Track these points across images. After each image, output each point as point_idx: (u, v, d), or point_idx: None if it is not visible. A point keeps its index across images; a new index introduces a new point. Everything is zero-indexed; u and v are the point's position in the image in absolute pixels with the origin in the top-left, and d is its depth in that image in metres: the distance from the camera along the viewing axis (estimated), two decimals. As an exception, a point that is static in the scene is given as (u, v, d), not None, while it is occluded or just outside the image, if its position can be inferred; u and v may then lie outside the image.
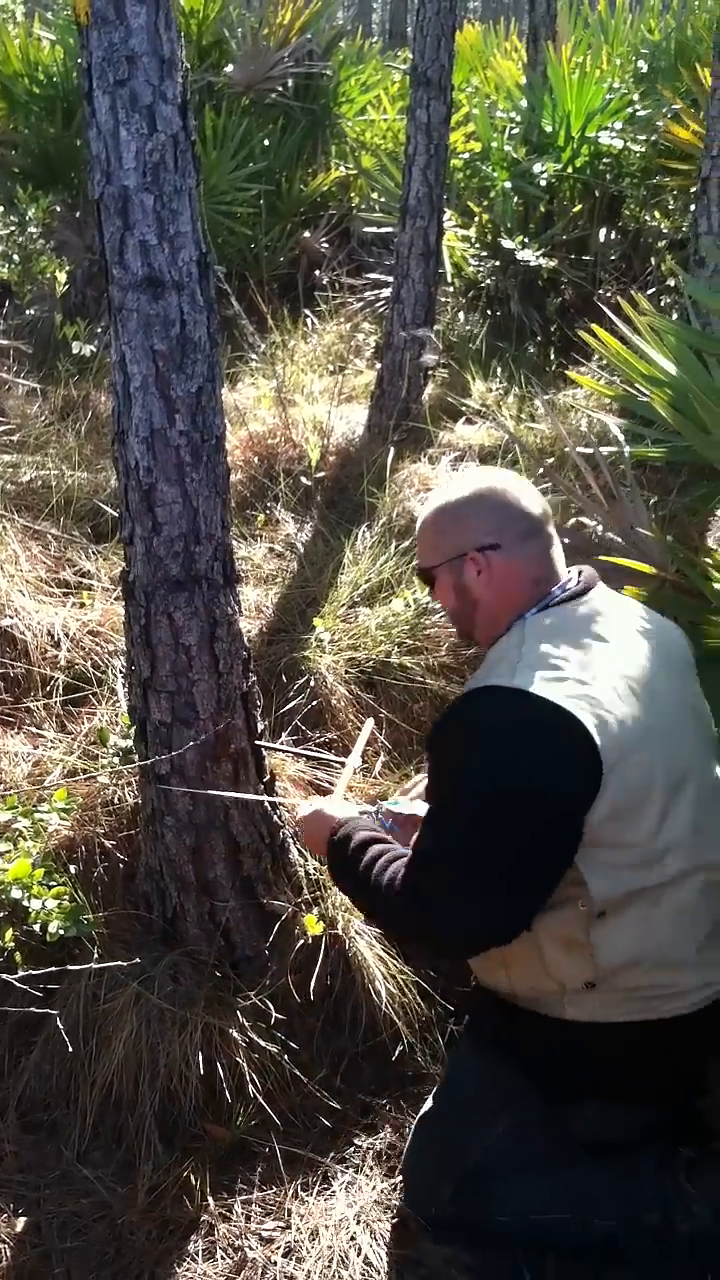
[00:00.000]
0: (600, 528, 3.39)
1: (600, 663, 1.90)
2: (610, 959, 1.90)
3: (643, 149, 7.11)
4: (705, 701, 2.14)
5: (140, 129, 2.12)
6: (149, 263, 2.19)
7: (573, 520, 3.60)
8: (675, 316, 5.29)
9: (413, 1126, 2.23)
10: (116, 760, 2.81)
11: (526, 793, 1.81)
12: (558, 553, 2.06)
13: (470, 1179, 2.07)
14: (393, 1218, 2.21)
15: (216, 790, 2.47)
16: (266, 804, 2.62)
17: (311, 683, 3.21)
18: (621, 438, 3.63)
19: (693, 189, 6.06)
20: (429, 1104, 2.23)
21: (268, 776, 2.66)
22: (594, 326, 3.65)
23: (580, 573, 2.07)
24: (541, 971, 1.97)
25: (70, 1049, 2.36)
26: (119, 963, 2.37)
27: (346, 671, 3.28)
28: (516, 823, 1.82)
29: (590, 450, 3.82)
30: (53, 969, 2.36)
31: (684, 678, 2.09)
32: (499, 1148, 2.06)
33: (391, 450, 4.50)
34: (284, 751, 2.85)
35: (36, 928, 2.41)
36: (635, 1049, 1.96)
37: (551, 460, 4.40)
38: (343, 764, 2.54)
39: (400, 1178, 2.25)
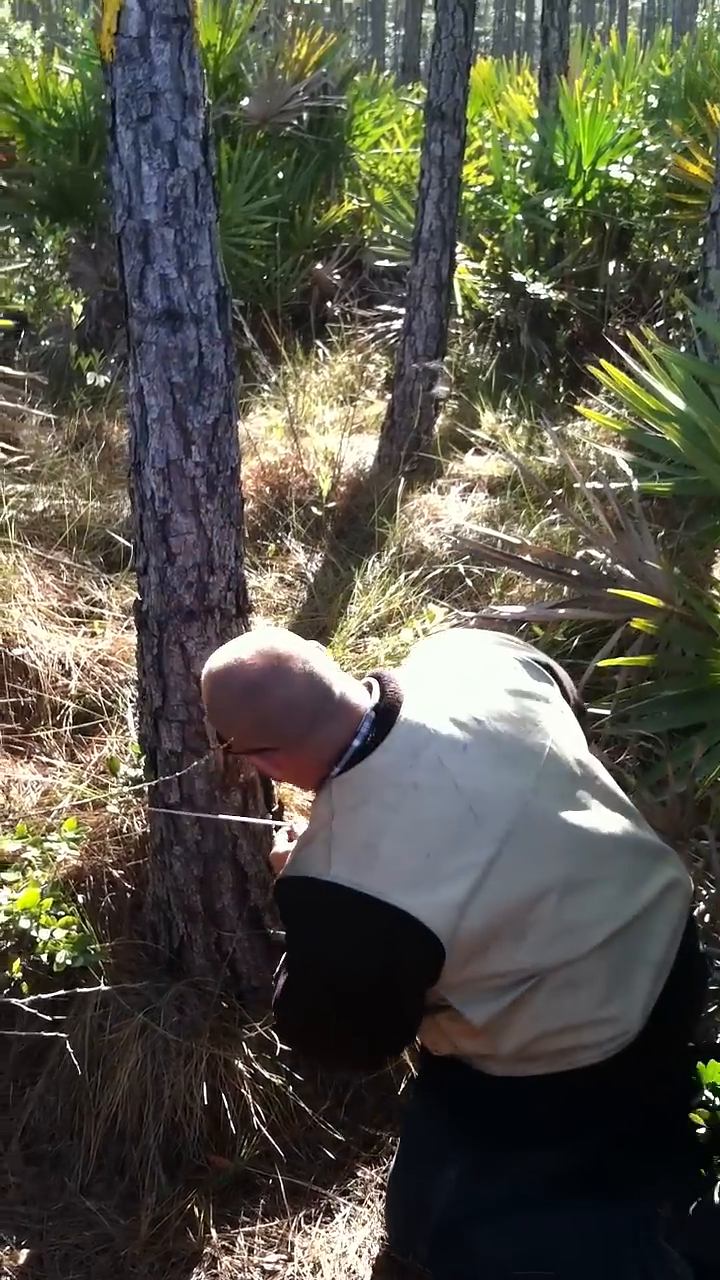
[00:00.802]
0: (608, 559, 3.41)
1: (414, 819, 1.80)
2: (509, 1045, 1.89)
3: (653, 183, 7.17)
4: (572, 754, 1.96)
5: (162, 164, 2.15)
6: (168, 296, 2.21)
7: (581, 552, 3.62)
8: (683, 349, 5.33)
9: (386, 1185, 2.25)
10: (126, 789, 2.82)
11: (347, 984, 1.83)
12: (345, 699, 1.89)
13: (441, 1235, 2.05)
14: (383, 1252, 2.21)
15: (227, 814, 2.47)
16: (273, 835, 2.63)
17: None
18: (630, 471, 3.66)
19: (702, 223, 6.11)
20: (393, 1163, 2.25)
21: (276, 806, 2.66)
22: (603, 362, 3.68)
23: (379, 701, 1.91)
24: (451, 1047, 2.00)
25: (75, 1080, 2.37)
26: (128, 984, 2.37)
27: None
28: (345, 1005, 1.86)
29: (597, 484, 3.84)
30: (61, 994, 2.36)
31: (540, 740, 1.92)
32: (456, 1199, 2.04)
33: (402, 481, 4.53)
34: (292, 782, 2.85)
35: (44, 957, 2.42)
36: (559, 1096, 1.95)
37: (560, 491, 4.42)
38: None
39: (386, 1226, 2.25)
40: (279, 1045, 2.44)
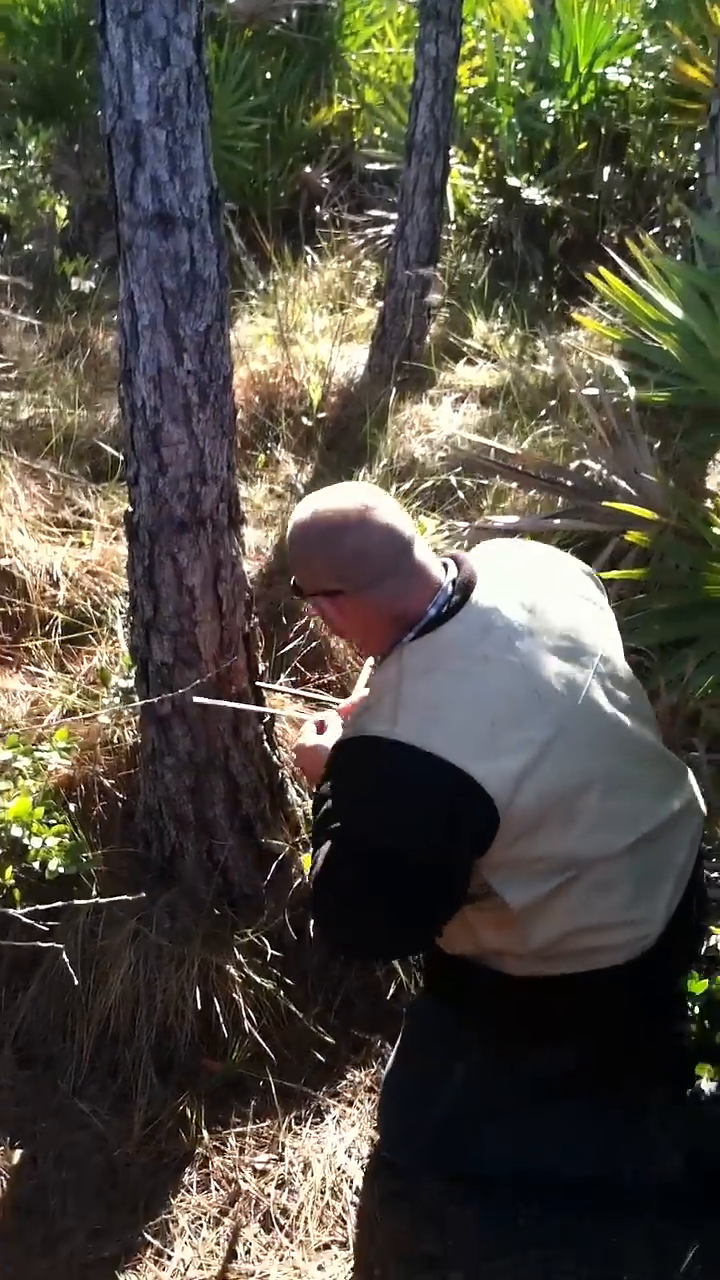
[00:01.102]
0: (604, 470, 3.38)
1: (482, 688, 1.83)
2: (538, 939, 1.91)
3: (650, 86, 7.00)
4: (619, 661, 2.03)
5: (154, 62, 2.07)
6: (160, 199, 2.15)
7: (576, 463, 3.59)
8: (679, 257, 5.24)
9: (382, 1084, 2.28)
10: (118, 700, 2.82)
11: (401, 855, 1.81)
12: (424, 567, 1.91)
13: (443, 1130, 2.11)
14: (371, 1157, 2.25)
15: (234, 704, 2.46)
16: (265, 745, 2.64)
17: (311, 624, 3.20)
18: (626, 380, 3.61)
19: (700, 128, 5.98)
20: (390, 1061, 2.28)
21: (268, 718, 2.66)
22: (601, 269, 3.62)
23: (455, 576, 1.94)
24: (475, 943, 2.01)
25: (68, 985, 2.39)
26: (120, 892, 2.38)
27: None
28: (394, 877, 1.83)
29: (595, 391, 3.80)
30: (54, 903, 2.38)
31: (589, 647, 1.96)
32: (463, 1097, 2.10)
33: (394, 391, 4.47)
34: (284, 693, 2.85)
35: (36, 865, 2.43)
36: (575, 997, 1.98)
37: (554, 401, 4.37)
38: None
39: (377, 1127, 2.29)
40: (270, 950, 2.47)
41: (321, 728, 2.21)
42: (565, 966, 1.95)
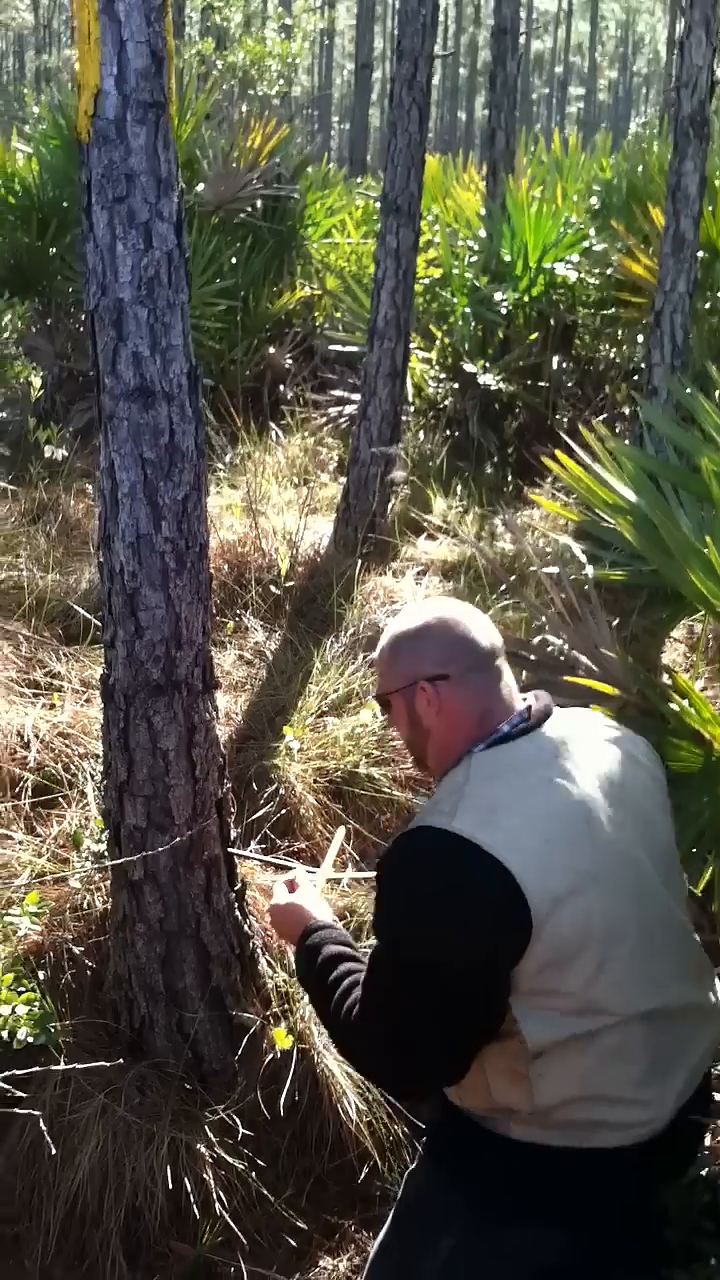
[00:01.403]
0: (566, 645, 3.46)
1: (541, 807, 1.88)
2: (546, 1097, 1.89)
3: (597, 281, 7.40)
4: (667, 835, 2.09)
5: (137, 244, 2.20)
6: (141, 373, 2.25)
7: (538, 638, 3.68)
8: (628, 443, 5.47)
9: (370, 1256, 2.21)
10: (89, 864, 2.80)
11: (439, 968, 1.81)
12: (509, 687, 2.03)
13: None
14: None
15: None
16: (237, 914, 2.62)
17: (281, 791, 3.22)
18: (584, 558, 3.73)
19: (645, 321, 6.32)
20: (383, 1230, 2.21)
21: (239, 884, 2.66)
22: (557, 453, 3.77)
23: (532, 705, 2.03)
24: (487, 1096, 1.97)
25: (35, 1160, 2.32)
26: (90, 1064, 2.33)
27: (315, 780, 3.30)
28: (433, 994, 1.82)
29: (555, 569, 3.91)
30: (21, 1072, 2.32)
31: (641, 811, 2.02)
32: (447, 1274, 2.04)
33: (359, 562, 4.59)
34: (256, 860, 2.85)
35: (4, 1034, 2.38)
36: (574, 1174, 1.95)
37: (513, 578, 4.50)
38: (312, 872, 2.55)
39: None
40: (241, 1129, 2.42)
41: (292, 886, 2.21)
42: (567, 1139, 1.92)
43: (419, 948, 1.84)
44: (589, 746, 2.03)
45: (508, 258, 7.28)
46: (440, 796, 1.98)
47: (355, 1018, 1.95)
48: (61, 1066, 2.33)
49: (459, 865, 1.81)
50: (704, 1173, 2.05)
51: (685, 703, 2.77)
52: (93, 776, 3.18)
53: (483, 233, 7.67)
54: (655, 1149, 1.94)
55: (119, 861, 2.47)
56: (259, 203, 8.32)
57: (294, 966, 2.21)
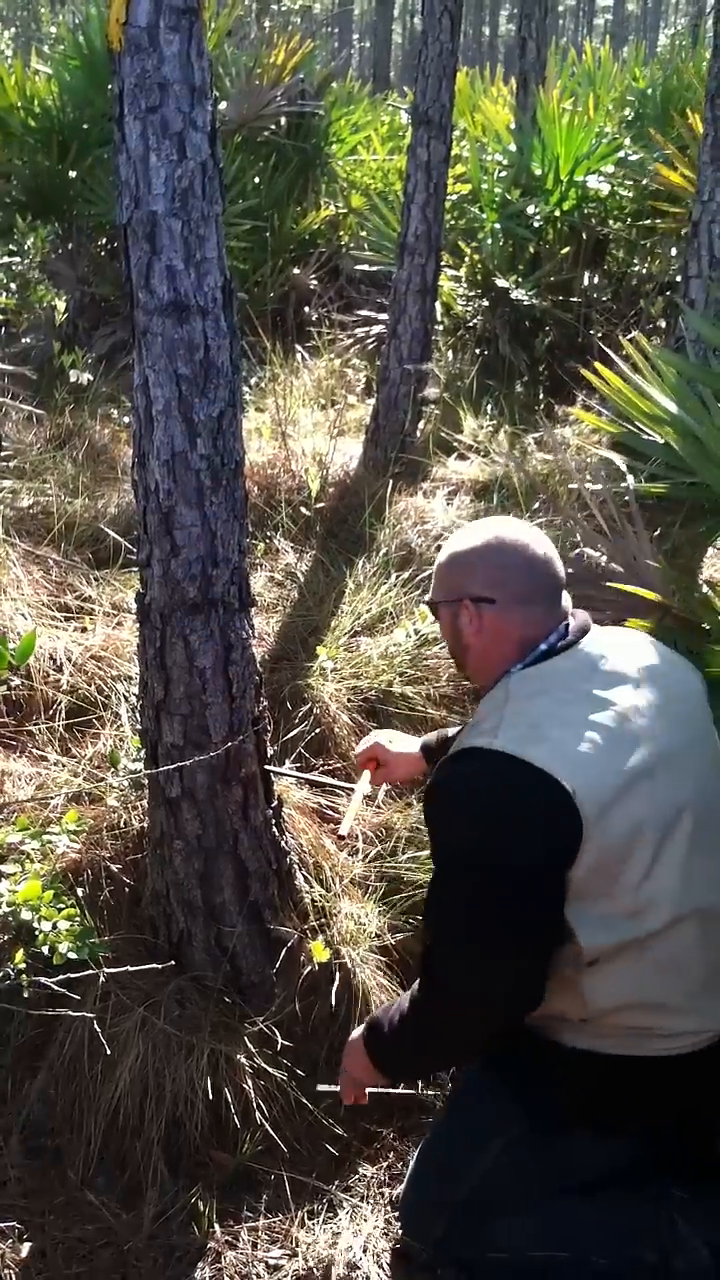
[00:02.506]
0: (605, 559, 3.42)
1: (582, 715, 1.89)
2: (600, 1002, 1.90)
3: (631, 193, 7.23)
4: (707, 721, 2.10)
5: (170, 155, 2.14)
6: (175, 287, 2.20)
7: (575, 551, 3.63)
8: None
9: (414, 1156, 2.23)
10: (126, 783, 2.80)
11: (499, 872, 1.83)
12: (562, 614, 2.03)
13: (462, 1213, 2.06)
14: (394, 1245, 2.20)
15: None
16: (274, 830, 2.62)
17: (315, 710, 3.21)
18: (626, 470, 3.67)
19: (683, 231, 6.17)
20: (430, 1132, 2.23)
21: (275, 802, 2.65)
22: (596, 365, 3.70)
23: (569, 624, 2.04)
24: (543, 1003, 1.98)
25: (76, 1074, 2.35)
26: (129, 979, 2.34)
27: (349, 700, 3.29)
28: (497, 901, 1.84)
29: (596, 485, 3.86)
30: (62, 986, 2.34)
31: (685, 714, 2.04)
32: (491, 1180, 2.05)
33: (389, 483, 4.54)
34: (292, 776, 2.85)
35: (45, 950, 2.39)
36: (626, 1082, 1.96)
37: (544, 496, 4.44)
38: (349, 790, 2.54)
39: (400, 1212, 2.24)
40: (280, 1040, 2.44)
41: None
42: (620, 1046, 1.93)
43: (477, 856, 1.86)
44: (629, 657, 2.03)
45: (539, 171, 7.11)
46: (481, 716, 1.99)
47: (428, 967, 1.97)
48: (106, 972, 2.34)
49: (507, 781, 1.83)
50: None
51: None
52: (126, 698, 3.18)
53: (512, 146, 7.49)
54: (707, 1059, 1.95)
55: (159, 771, 2.46)
56: (283, 120, 8.15)
57: (386, 1071, 2.16)
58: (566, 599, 2.05)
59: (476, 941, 1.89)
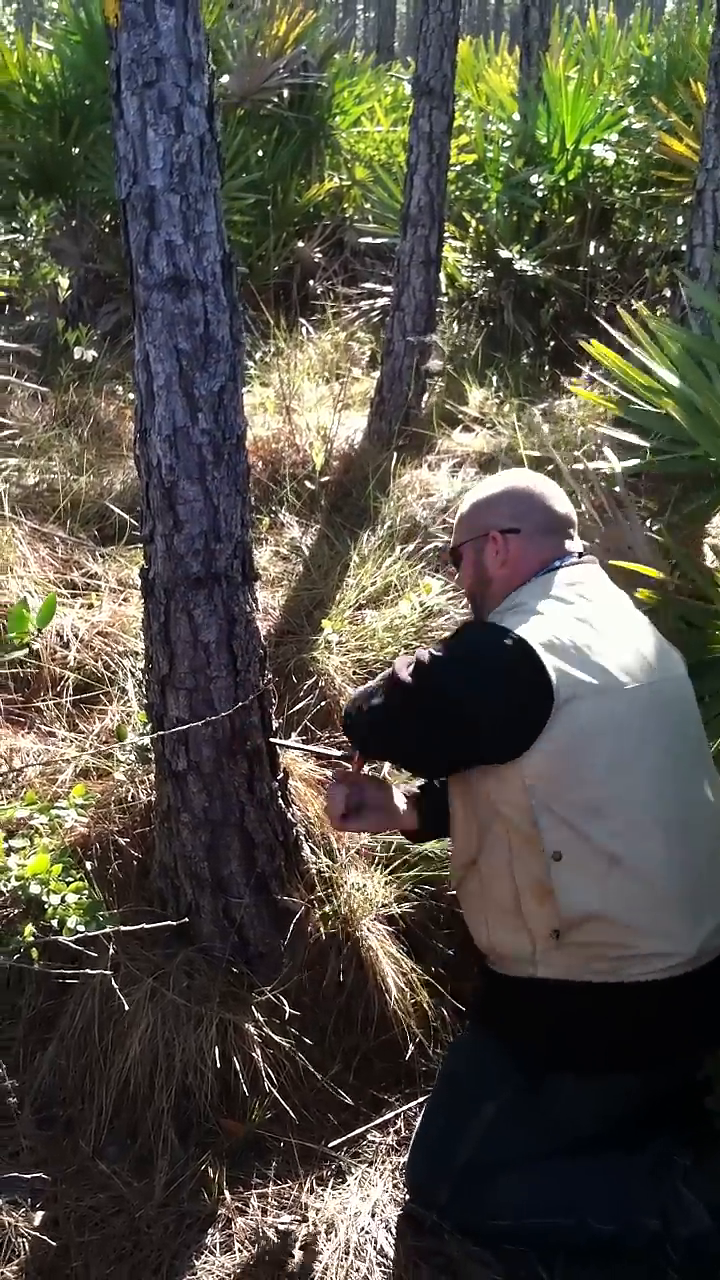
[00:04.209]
0: (598, 542, 3.42)
1: (574, 617, 2.08)
2: (571, 908, 1.99)
3: (636, 161, 7.17)
4: (692, 699, 2.23)
5: (168, 130, 2.15)
6: (174, 262, 2.21)
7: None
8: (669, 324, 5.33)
9: (416, 1128, 2.26)
10: (133, 757, 2.82)
11: (478, 666, 2.06)
12: (574, 547, 2.28)
13: (464, 1180, 2.10)
14: (401, 1211, 2.22)
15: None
16: (280, 801, 2.64)
17: (320, 683, 3.23)
18: (613, 457, 3.66)
19: (687, 200, 6.12)
20: (429, 1099, 2.28)
21: (281, 774, 2.67)
22: (595, 342, 3.69)
23: (580, 552, 2.29)
24: (516, 921, 2.07)
25: (86, 1044, 2.37)
26: (138, 950, 2.37)
27: (354, 672, 3.30)
28: (461, 680, 2.07)
29: (581, 466, 3.85)
30: (70, 963, 2.37)
31: (663, 669, 2.17)
32: (488, 1141, 2.10)
33: (394, 456, 4.53)
34: (297, 749, 2.86)
35: (54, 923, 2.42)
36: (604, 1012, 2.02)
37: (551, 468, 4.43)
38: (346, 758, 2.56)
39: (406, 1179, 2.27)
40: (288, 1009, 2.46)
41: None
42: (591, 972, 2.00)
43: (441, 676, 2.07)
44: (623, 597, 2.28)
45: (543, 140, 7.06)
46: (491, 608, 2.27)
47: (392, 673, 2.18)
48: (116, 932, 2.36)
49: (497, 638, 2.04)
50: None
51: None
52: (133, 674, 3.20)
53: (517, 115, 7.44)
54: (681, 993, 1.98)
55: (164, 734, 2.48)
56: (285, 92, 8.10)
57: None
58: (578, 540, 2.29)
59: (392, 719, 2.15)
